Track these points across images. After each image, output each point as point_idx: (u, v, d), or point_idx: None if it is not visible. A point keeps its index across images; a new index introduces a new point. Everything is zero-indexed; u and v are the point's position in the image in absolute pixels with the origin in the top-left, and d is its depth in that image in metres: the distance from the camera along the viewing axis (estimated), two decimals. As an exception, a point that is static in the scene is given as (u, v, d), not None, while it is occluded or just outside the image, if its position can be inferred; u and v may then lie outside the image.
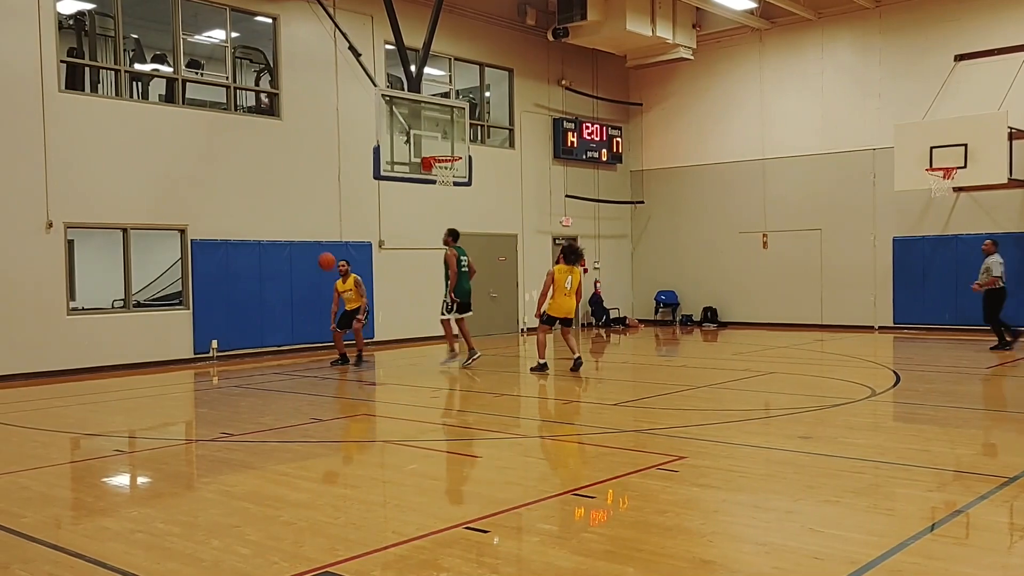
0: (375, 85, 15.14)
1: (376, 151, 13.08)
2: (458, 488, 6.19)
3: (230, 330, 15.16)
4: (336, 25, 15.73)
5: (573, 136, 21.16)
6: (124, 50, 14.47)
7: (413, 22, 16.03)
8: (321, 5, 15.54)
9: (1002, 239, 17.59)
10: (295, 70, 16.15)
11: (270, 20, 15.96)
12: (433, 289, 18.29)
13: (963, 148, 15.80)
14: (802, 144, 20.20)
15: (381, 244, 17.36)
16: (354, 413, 10.27)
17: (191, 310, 14.77)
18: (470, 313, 13.64)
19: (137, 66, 15.36)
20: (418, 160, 13.53)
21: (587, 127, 21.54)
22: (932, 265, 18.40)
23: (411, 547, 4.85)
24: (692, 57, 20.80)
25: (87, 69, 14.47)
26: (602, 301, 21.82)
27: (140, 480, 7.05)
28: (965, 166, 15.80)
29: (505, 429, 8.75)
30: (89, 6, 14.46)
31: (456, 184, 14.20)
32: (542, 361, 12.60)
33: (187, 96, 15.27)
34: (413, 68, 14.36)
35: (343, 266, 13.73)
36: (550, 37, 19.76)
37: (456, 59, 19.03)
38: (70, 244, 13.98)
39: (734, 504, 5.67)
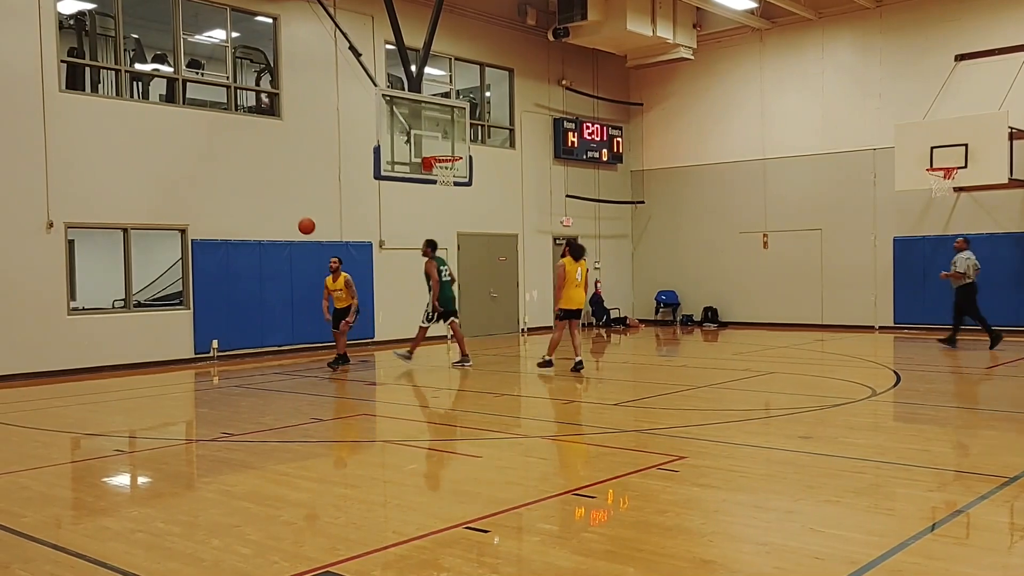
0: (375, 85, 15.14)
1: (376, 151, 13.09)
2: (458, 488, 6.19)
3: (230, 330, 15.16)
4: (336, 25, 15.73)
5: (573, 136, 21.17)
6: (124, 50, 14.47)
7: (413, 22, 16.04)
8: (322, 5, 15.55)
9: (1003, 239, 17.67)
10: (295, 70, 16.15)
11: (270, 20, 15.96)
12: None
13: (963, 148, 15.79)
14: (803, 144, 20.20)
15: (381, 244, 17.36)
16: (354, 413, 10.26)
17: (191, 310, 14.77)
18: (457, 320, 13.89)
19: (138, 66, 15.36)
20: (418, 160, 13.54)
21: (587, 127, 21.54)
22: (933, 265, 18.36)
23: (411, 547, 4.85)
24: (692, 57, 20.80)
25: (87, 69, 14.47)
26: (603, 301, 21.82)
27: (140, 480, 7.05)
28: (965, 166, 15.79)
29: (505, 429, 8.75)
30: (89, 6, 14.47)
31: (456, 184, 14.21)
32: (549, 358, 12.77)
33: (188, 96, 15.28)
34: (413, 68, 14.37)
35: (334, 263, 13.41)
36: (550, 37, 19.76)
37: (456, 59, 19.03)
38: (71, 244, 13.99)
39: (734, 504, 5.67)
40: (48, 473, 7.07)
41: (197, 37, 16.32)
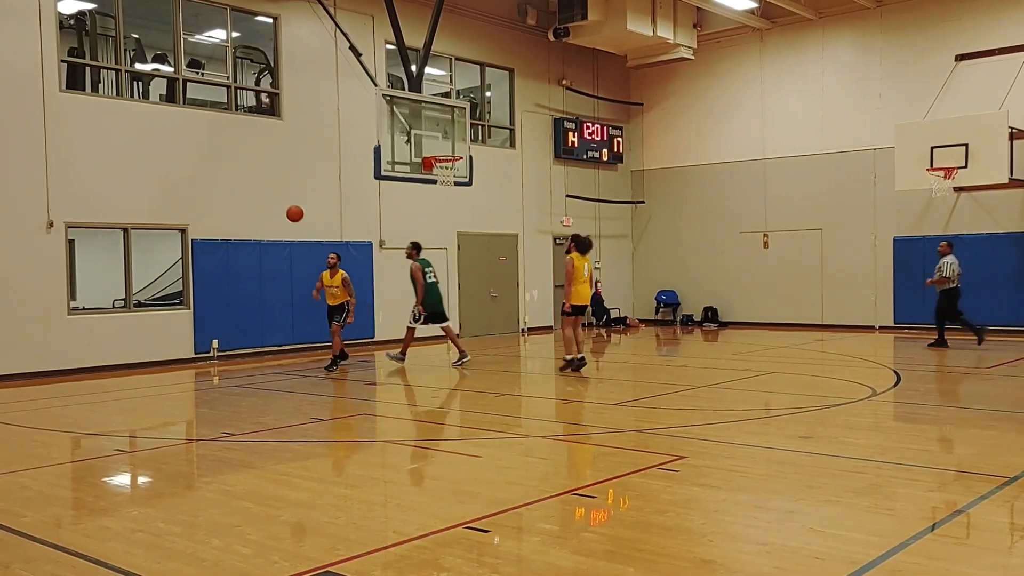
0: (376, 85, 15.14)
1: (377, 151, 13.08)
2: (459, 488, 6.19)
3: (230, 330, 15.16)
4: (337, 25, 15.73)
5: (574, 136, 21.17)
6: (125, 50, 14.47)
7: (414, 22, 16.04)
8: (322, 5, 15.55)
9: (1003, 239, 17.68)
10: (296, 70, 16.15)
11: (271, 20, 15.96)
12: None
13: (964, 148, 15.78)
14: (803, 144, 20.20)
15: (382, 244, 17.36)
16: (354, 413, 10.26)
17: (192, 310, 14.77)
18: (447, 322, 13.94)
19: (138, 66, 15.36)
20: (419, 160, 13.54)
21: (588, 127, 21.54)
22: (933, 265, 18.27)
23: (412, 547, 4.85)
24: (693, 57, 20.80)
25: (88, 69, 14.48)
26: (603, 301, 21.82)
27: (141, 480, 7.05)
28: (966, 166, 15.78)
29: (506, 429, 8.75)
30: (90, 6, 14.47)
31: (457, 184, 14.20)
32: (570, 357, 12.45)
33: (188, 96, 15.28)
34: (414, 68, 14.36)
35: (332, 259, 13.25)
36: (551, 37, 19.76)
37: (457, 59, 19.03)
38: (71, 244, 14.00)
39: (735, 504, 5.67)
40: (48, 473, 7.08)
41: (197, 37, 16.32)
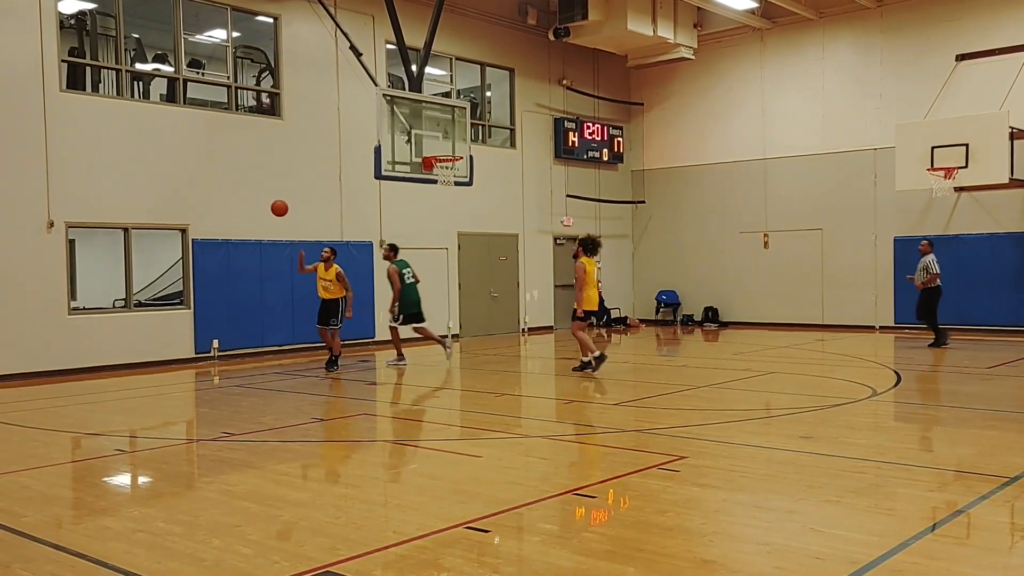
0: (376, 85, 15.14)
1: (377, 151, 13.08)
2: (459, 488, 6.19)
3: (231, 330, 15.16)
4: (337, 25, 15.74)
5: (574, 136, 21.16)
6: (125, 50, 14.47)
7: (414, 22, 16.04)
8: (322, 5, 15.55)
9: (1003, 239, 17.69)
10: (296, 70, 16.16)
11: (271, 20, 15.96)
12: (433, 289, 18.34)
13: (964, 148, 15.78)
14: (803, 144, 20.20)
15: (382, 244, 17.35)
16: (354, 413, 10.27)
17: (192, 310, 14.77)
18: (424, 323, 14.01)
19: (138, 66, 15.36)
20: (419, 160, 13.54)
21: (588, 127, 21.54)
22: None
23: (412, 547, 4.85)
24: (693, 57, 20.80)
25: (88, 69, 14.48)
26: (603, 301, 21.73)
27: (141, 480, 7.05)
28: (966, 166, 15.78)
29: (506, 429, 8.75)
30: (90, 6, 14.47)
31: (457, 184, 14.21)
32: (587, 358, 12.24)
33: (188, 96, 15.28)
34: (414, 68, 14.36)
35: (326, 253, 13.20)
36: (551, 37, 19.76)
37: (457, 59, 19.03)
38: (71, 244, 13.99)
39: (735, 504, 5.67)
40: (49, 473, 7.08)
41: (198, 37, 16.31)
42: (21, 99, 12.91)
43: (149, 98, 15.09)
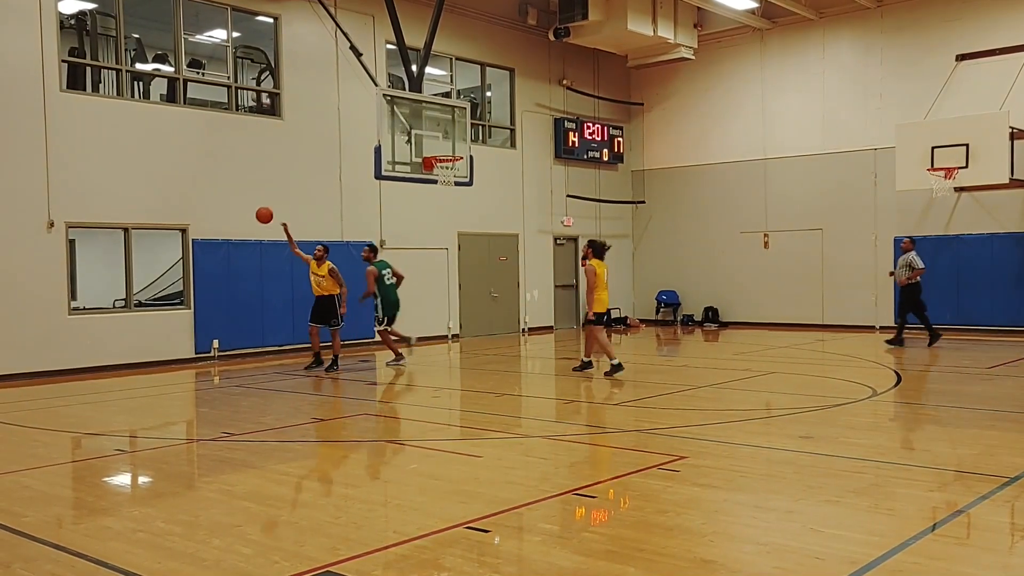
0: (376, 85, 15.14)
1: (377, 151, 13.08)
2: (459, 488, 6.19)
3: (231, 330, 15.16)
4: (337, 25, 15.74)
5: (574, 136, 21.16)
6: (125, 50, 14.47)
7: (414, 22, 16.04)
8: (322, 5, 15.56)
9: (1003, 239, 17.69)
10: (296, 70, 16.16)
11: (271, 20, 15.97)
12: (433, 289, 18.37)
13: (964, 148, 15.78)
14: (803, 144, 20.20)
15: (382, 244, 17.35)
16: (354, 413, 10.27)
17: (192, 310, 14.77)
18: (388, 328, 13.94)
19: (138, 66, 15.36)
20: (419, 160, 13.54)
21: (588, 127, 21.54)
22: (933, 265, 18.33)
23: (412, 546, 4.85)
24: (693, 57, 20.80)
25: (88, 69, 14.48)
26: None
27: (141, 479, 7.06)
28: (966, 166, 15.78)
29: (506, 429, 8.75)
30: (90, 6, 14.47)
31: (457, 184, 14.20)
32: (616, 361, 12.00)
33: (188, 96, 15.28)
34: (414, 68, 14.36)
35: (319, 251, 13.14)
36: (551, 37, 19.76)
37: (457, 59, 19.03)
38: (71, 244, 13.99)
39: (735, 504, 5.67)
40: (49, 473, 7.08)
41: (198, 37, 16.32)
42: (21, 99, 12.91)
43: (149, 98, 15.10)
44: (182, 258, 14.88)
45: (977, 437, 7.79)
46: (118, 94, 14.29)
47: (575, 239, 21.68)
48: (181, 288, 15.07)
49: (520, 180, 20.28)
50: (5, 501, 6.03)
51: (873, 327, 19.22)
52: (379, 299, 13.63)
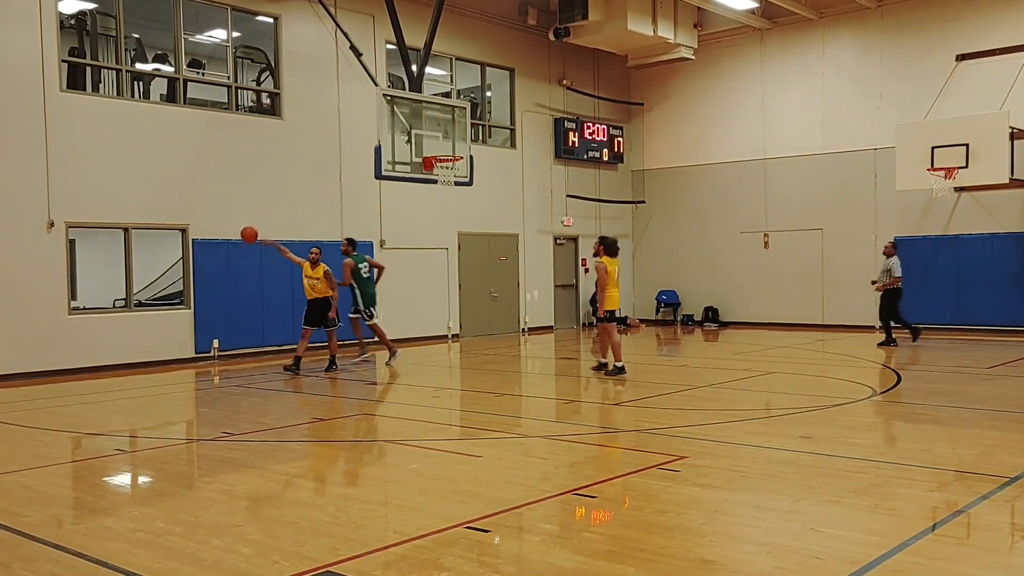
0: (376, 85, 15.14)
1: (377, 151, 13.08)
2: (459, 488, 6.19)
3: (231, 330, 15.16)
4: (337, 25, 15.74)
5: (574, 136, 21.16)
6: (125, 50, 14.47)
7: (414, 22, 16.03)
8: (323, 5, 15.55)
9: (1003, 239, 17.68)
10: (296, 70, 16.16)
11: (271, 20, 15.96)
12: (433, 289, 18.37)
13: (964, 148, 15.79)
14: (803, 144, 20.20)
15: (382, 244, 17.36)
16: (355, 413, 10.26)
17: (192, 310, 14.77)
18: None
19: (138, 66, 15.36)
20: (419, 160, 13.53)
21: (588, 127, 21.54)
22: (933, 265, 18.39)
23: (412, 546, 4.85)
24: (693, 57, 20.79)
25: (88, 69, 14.48)
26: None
27: (141, 479, 7.05)
28: (966, 166, 15.79)
29: (506, 429, 8.75)
30: (90, 6, 14.47)
31: (457, 184, 14.20)
32: (620, 364, 11.94)
33: (188, 96, 15.28)
34: (414, 68, 14.36)
35: (314, 253, 13.02)
36: (551, 37, 19.76)
37: (457, 59, 19.03)
38: (71, 243, 13.99)
39: (735, 504, 5.67)
40: (49, 472, 7.08)
41: (198, 37, 16.32)
42: (21, 99, 12.91)
43: (149, 98, 15.09)
44: (182, 258, 14.88)
45: (977, 437, 7.78)
46: (118, 94, 14.28)
47: (575, 239, 21.69)
48: (181, 288, 15.07)
49: (520, 180, 20.28)
50: (5, 501, 6.03)
51: (873, 327, 19.18)
52: (357, 291, 13.60)
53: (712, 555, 4.66)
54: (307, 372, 13.31)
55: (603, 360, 12.46)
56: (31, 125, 12.99)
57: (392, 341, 14.19)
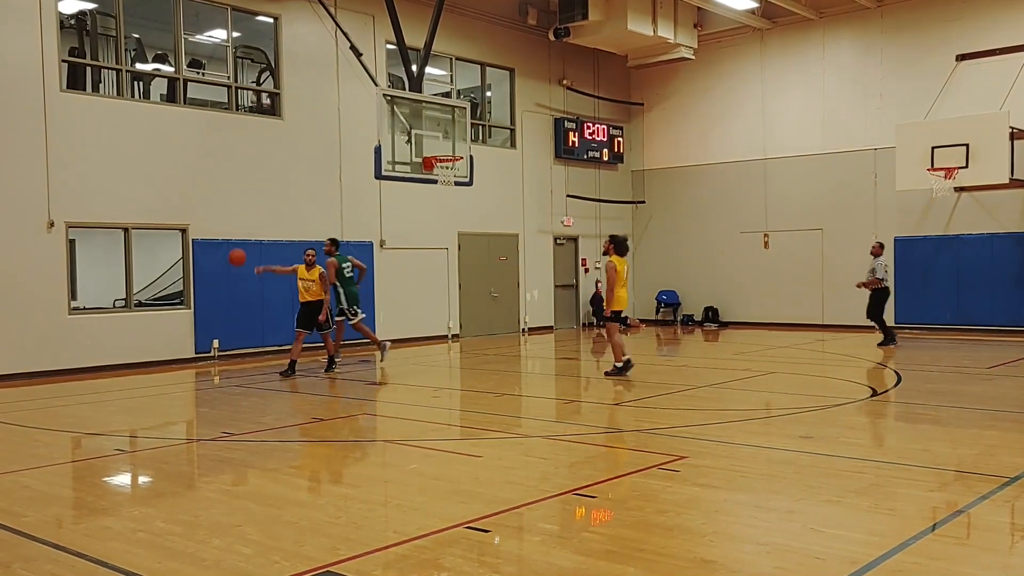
0: (376, 85, 15.14)
1: (377, 151, 13.08)
2: (459, 488, 6.19)
3: (231, 330, 15.16)
4: (337, 25, 15.74)
5: (574, 136, 21.17)
6: (126, 50, 14.47)
7: (414, 22, 16.04)
8: (323, 5, 15.55)
9: (1003, 239, 17.69)
10: (296, 70, 16.16)
11: (271, 20, 15.97)
12: (433, 289, 18.37)
13: (964, 148, 15.79)
14: (803, 144, 20.20)
15: (382, 244, 17.37)
16: (355, 413, 10.26)
17: (192, 310, 14.78)
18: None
19: (139, 66, 15.36)
20: (419, 160, 13.53)
21: (588, 127, 21.54)
22: (934, 265, 18.39)
23: (412, 546, 4.85)
24: (693, 57, 20.79)
25: (88, 69, 14.48)
26: (603, 301, 21.78)
27: (141, 479, 7.05)
28: (966, 166, 15.79)
29: (506, 429, 8.75)
30: (91, 5, 14.47)
31: (457, 184, 14.20)
32: (620, 364, 11.85)
33: (188, 96, 15.28)
34: (414, 68, 14.36)
35: (310, 255, 12.97)
36: (551, 37, 19.76)
37: (457, 59, 19.03)
38: (71, 243, 13.99)
39: (735, 504, 5.67)
40: (49, 472, 7.08)
41: (198, 37, 16.33)
42: (21, 99, 12.91)
43: (149, 98, 15.10)
44: (182, 258, 14.88)
45: (977, 437, 7.78)
46: (118, 94, 14.28)
47: (575, 239, 21.69)
48: (181, 288, 15.07)
49: (520, 180, 20.28)
50: (5, 501, 6.03)
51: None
52: (341, 291, 13.49)
53: (712, 555, 4.66)
54: (307, 372, 13.31)
55: (627, 357, 12.00)
56: (31, 125, 12.99)
57: (392, 341, 14.18)
